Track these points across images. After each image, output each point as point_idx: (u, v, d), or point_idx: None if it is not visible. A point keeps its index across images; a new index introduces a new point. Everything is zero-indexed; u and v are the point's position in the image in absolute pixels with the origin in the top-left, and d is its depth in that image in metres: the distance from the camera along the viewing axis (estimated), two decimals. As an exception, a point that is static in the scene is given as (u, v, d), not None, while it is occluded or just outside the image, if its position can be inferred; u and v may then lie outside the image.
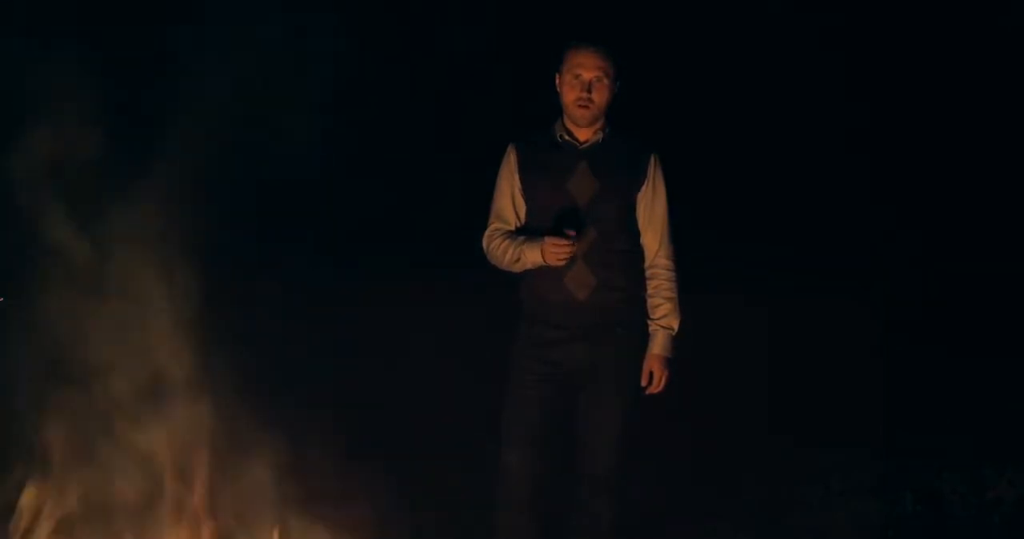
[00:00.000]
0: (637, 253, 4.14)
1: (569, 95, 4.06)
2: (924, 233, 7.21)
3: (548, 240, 3.94)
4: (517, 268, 4.08)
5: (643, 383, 4.09)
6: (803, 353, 6.44)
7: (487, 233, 4.14)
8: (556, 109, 4.14)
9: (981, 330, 6.91)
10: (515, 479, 4.09)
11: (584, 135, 4.11)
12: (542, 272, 4.08)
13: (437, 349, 5.95)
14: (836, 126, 7.05)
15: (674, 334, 4.12)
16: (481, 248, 4.16)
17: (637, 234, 4.13)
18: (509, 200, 4.13)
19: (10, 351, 3.63)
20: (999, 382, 6.53)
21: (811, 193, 7.16)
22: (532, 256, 4.00)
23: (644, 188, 4.11)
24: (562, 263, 3.96)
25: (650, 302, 4.12)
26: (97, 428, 3.61)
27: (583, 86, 4.03)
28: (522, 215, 4.12)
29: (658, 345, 4.10)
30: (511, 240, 4.07)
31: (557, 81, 4.11)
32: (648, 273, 4.14)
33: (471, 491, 4.53)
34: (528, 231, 4.08)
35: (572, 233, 3.92)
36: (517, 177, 4.12)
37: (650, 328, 4.12)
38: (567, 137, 4.10)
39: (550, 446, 4.12)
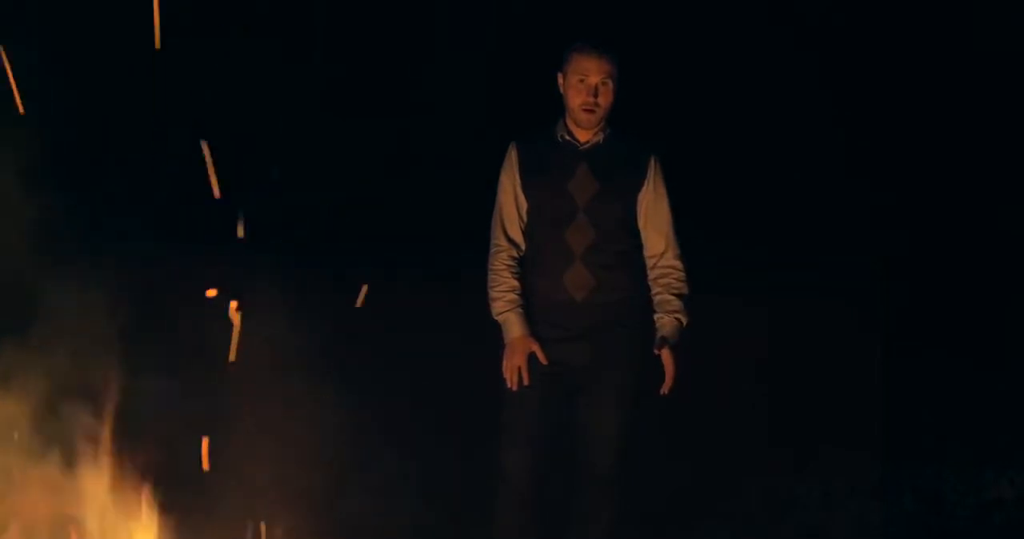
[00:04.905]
0: (637, 254, 4.14)
1: (575, 99, 4.05)
2: (925, 234, 7.20)
3: (516, 357, 4.04)
4: (492, 311, 4.13)
5: (656, 351, 4.05)
6: (803, 353, 6.43)
7: (493, 251, 4.15)
8: (556, 109, 4.14)
9: (981, 330, 6.90)
10: (514, 479, 4.09)
11: (584, 136, 4.11)
12: (541, 272, 4.09)
13: (435, 348, 5.94)
14: (836, 125, 7.04)
15: (683, 326, 4.10)
16: (483, 247, 4.18)
17: (637, 235, 4.13)
18: (512, 198, 4.13)
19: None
20: (999, 382, 6.52)
21: (810, 194, 7.15)
22: (507, 332, 4.08)
23: (644, 189, 4.11)
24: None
25: (659, 298, 4.10)
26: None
27: (589, 91, 4.02)
28: (524, 214, 4.13)
29: (667, 331, 4.07)
30: (507, 288, 4.10)
31: (560, 81, 4.10)
32: (657, 273, 4.12)
33: (471, 491, 4.52)
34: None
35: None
36: (518, 176, 4.12)
37: (659, 321, 4.09)
38: (567, 137, 4.11)
39: (549, 446, 4.12)
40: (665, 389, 4.09)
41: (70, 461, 3.44)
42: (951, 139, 7.21)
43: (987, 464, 5.51)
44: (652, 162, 4.13)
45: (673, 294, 4.10)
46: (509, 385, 4.05)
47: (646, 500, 4.73)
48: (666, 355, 4.07)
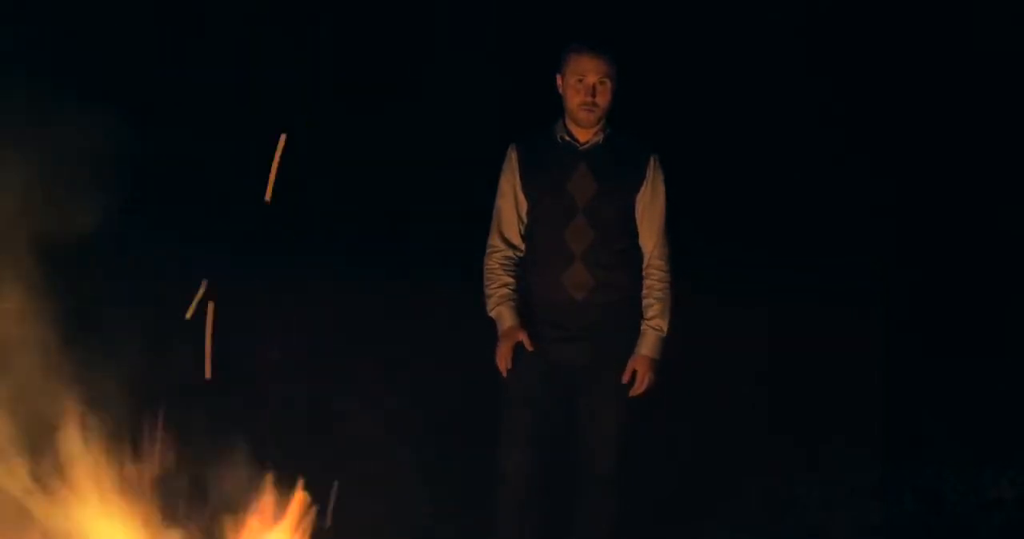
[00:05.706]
0: (636, 253, 4.14)
1: (573, 99, 4.06)
2: (925, 234, 7.20)
3: (503, 345, 4.06)
4: (487, 309, 4.15)
5: (624, 380, 4.07)
6: (803, 354, 6.43)
7: (488, 251, 4.16)
8: (556, 110, 4.15)
9: (981, 330, 6.90)
10: (514, 479, 4.10)
11: (584, 136, 4.11)
12: (541, 272, 4.10)
13: (436, 348, 5.95)
14: (836, 127, 7.05)
15: (663, 336, 4.11)
16: (483, 247, 4.19)
17: (636, 234, 4.13)
18: (511, 200, 4.14)
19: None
20: (999, 383, 6.52)
21: (810, 195, 7.16)
22: (499, 325, 4.10)
23: (643, 189, 4.12)
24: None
25: (644, 302, 4.12)
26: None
27: (587, 90, 4.03)
28: (524, 215, 4.13)
29: (645, 346, 4.09)
30: (500, 284, 4.12)
31: (559, 82, 4.11)
32: (645, 273, 4.14)
33: (471, 491, 4.52)
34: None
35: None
36: (518, 177, 4.13)
37: (641, 328, 4.11)
38: (567, 138, 4.11)
39: (549, 446, 4.12)
40: (632, 393, 4.08)
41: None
42: (951, 139, 7.20)
43: (987, 464, 5.51)
44: (651, 162, 4.14)
45: (654, 297, 4.11)
46: (502, 373, 4.06)
47: (646, 500, 4.73)
48: (641, 368, 4.07)
